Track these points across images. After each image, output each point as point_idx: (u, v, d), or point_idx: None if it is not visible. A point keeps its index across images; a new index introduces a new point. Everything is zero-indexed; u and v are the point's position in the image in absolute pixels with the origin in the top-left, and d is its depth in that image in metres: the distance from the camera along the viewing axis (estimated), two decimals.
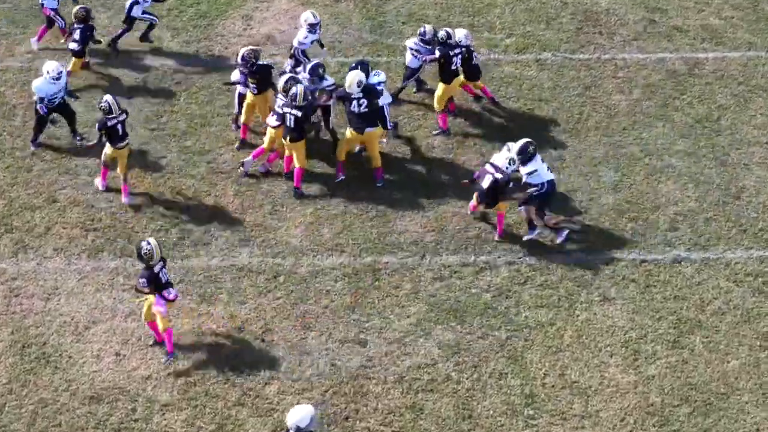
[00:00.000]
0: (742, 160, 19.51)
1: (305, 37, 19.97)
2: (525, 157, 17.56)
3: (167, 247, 17.65)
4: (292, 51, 20.03)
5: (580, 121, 20.24)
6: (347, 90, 18.37)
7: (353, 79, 18.33)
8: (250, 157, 18.86)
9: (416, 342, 16.37)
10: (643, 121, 20.23)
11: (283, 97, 18.42)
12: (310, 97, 18.44)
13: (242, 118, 19.35)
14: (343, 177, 18.88)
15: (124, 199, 18.43)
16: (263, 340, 16.33)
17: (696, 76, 21.24)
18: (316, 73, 18.98)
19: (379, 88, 18.82)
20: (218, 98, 20.33)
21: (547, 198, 17.73)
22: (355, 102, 18.35)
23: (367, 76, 18.77)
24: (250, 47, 19.10)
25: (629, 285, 17.25)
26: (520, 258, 17.62)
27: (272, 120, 18.61)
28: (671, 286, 17.27)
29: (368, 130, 18.53)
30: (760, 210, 18.57)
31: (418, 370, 15.99)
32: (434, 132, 19.85)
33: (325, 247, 17.77)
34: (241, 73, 19.10)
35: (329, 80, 19.17)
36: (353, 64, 19.16)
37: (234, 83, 19.38)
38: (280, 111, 18.38)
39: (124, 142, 18.27)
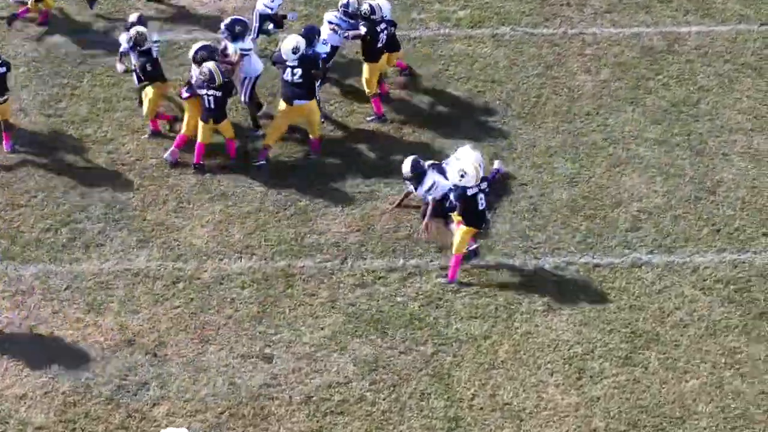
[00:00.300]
0: (722, 149, 19.20)
1: (272, 1, 19.81)
2: (419, 174, 17.24)
3: (55, 249, 17.53)
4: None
5: (537, 104, 19.96)
6: (282, 56, 18.36)
7: (290, 44, 18.34)
8: (173, 148, 18.81)
9: (329, 357, 16.17)
10: (610, 105, 19.95)
11: (195, 69, 18.33)
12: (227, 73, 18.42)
13: (145, 111, 19.19)
14: (263, 162, 18.71)
15: (5, 146, 18.75)
16: (155, 355, 16.17)
17: (675, 54, 20.92)
18: (232, 30, 18.88)
19: (323, 57, 19.02)
20: (126, 80, 20.10)
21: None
22: (289, 70, 18.34)
23: (312, 44, 18.81)
24: (137, 29, 18.82)
25: (579, 293, 16.98)
26: None
27: (183, 91, 18.58)
28: (627, 294, 16.99)
29: (298, 102, 18.48)
30: (738, 207, 18.26)
31: (329, 390, 15.79)
32: (368, 118, 19.64)
33: (233, 249, 17.58)
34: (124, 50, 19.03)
35: (245, 43, 18.97)
36: (302, 30, 19.07)
37: (124, 71, 19.20)
38: (194, 85, 18.33)
39: (3, 98, 18.52)
